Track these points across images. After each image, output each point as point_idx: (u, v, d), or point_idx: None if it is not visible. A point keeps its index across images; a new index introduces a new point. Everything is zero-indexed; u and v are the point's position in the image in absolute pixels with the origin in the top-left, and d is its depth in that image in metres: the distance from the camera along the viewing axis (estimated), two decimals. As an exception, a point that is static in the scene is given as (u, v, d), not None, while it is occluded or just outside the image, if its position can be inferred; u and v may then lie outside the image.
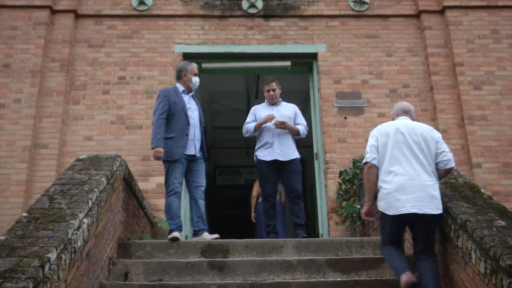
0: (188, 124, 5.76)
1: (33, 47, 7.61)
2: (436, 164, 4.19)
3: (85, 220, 3.81)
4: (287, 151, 6.11)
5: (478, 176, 7.12)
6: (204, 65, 8.00)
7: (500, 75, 7.73)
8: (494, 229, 3.50)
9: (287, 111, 6.32)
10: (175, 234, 5.29)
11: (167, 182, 5.66)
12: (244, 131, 6.42)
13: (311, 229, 9.83)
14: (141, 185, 6.58)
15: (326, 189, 7.30)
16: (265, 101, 6.47)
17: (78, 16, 8.00)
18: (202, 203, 5.76)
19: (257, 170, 6.33)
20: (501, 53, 7.86)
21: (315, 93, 7.98)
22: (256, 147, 6.31)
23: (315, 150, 7.68)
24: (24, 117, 7.24)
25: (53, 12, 7.90)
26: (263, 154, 6.18)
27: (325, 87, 7.81)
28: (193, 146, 5.77)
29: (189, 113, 5.82)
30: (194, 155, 5.77)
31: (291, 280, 4.35)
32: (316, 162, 7.64)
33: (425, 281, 3.80)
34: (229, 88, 10.34)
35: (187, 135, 5.71)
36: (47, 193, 4.14)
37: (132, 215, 5.58)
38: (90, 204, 4.02)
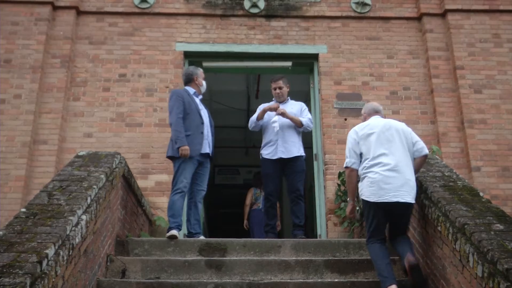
0: (202, 123, 5.92)
1: (34, 43, 7.60)
2: (413, 153, 4.58)
3: (84, 217, 3.80)
4: (290, 148, 6.14)
5: (477, 179, 7.12)
6: (205, 64, 8.00)
7: (501, 79, 7.74)
8: (492, 232, 3.50)
9: (293, 108, 6.39)
10: (174, 232, 5.32)
11: (175, 179, 5.72)
12: (249, 124, 6.47)
13: (309, 230, 9.82)
14: (140, 183, 6.58)
15: (325, 190, 7.30)
16: (273, 99, 6.53)
17: (79, 12, 7.99)
18: (200, 207, 5.91)
19: (261, 168, 6.35)
20: (502, 57, 7.86)
21: (315, 94, 7.98)
22: (262, 145, 6.35)
23: (314, 151, 7.67)
24: (24, 112, 7.23)
25: (55, 8, 7.89)
26: (267, 152, 6.22)
27: (326, 88, 7.81)
28: (207, 145, 5.94)
29: (202, 113, 5.98)
30: (208, 154, 5.95)
31: (289, 280, 4.35)
32: (315, 163, 7.63)
33: (403, 253, 4.24)
34: (230, 87, 10.34)
35: (202, 132, 5.84)
36: (46, 189, 4.13)
37: (130, 213, 5.58)
38: (88, 200, 4.02)
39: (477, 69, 7.77)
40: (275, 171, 6.18)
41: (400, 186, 4.29)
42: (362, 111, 5.08)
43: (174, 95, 6.01)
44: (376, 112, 4.92)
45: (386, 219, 4.43)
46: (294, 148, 6.17)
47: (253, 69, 8.52)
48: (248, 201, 9.10)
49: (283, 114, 6.18)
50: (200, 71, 6.29)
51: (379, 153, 4.47)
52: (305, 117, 6.35)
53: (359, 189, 4.56)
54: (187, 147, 5.67)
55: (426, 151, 4.64)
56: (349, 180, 4.69)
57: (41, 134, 7.24)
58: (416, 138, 4.69)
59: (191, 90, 6.14)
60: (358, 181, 4.63)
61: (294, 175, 6.13)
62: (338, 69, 7.92)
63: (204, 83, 6.26)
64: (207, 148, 5.93)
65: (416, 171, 4.59)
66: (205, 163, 5.99)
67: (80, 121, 7.46)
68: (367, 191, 4.40)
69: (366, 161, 4.50)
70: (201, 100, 6.21)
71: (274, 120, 6.25)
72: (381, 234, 4.43)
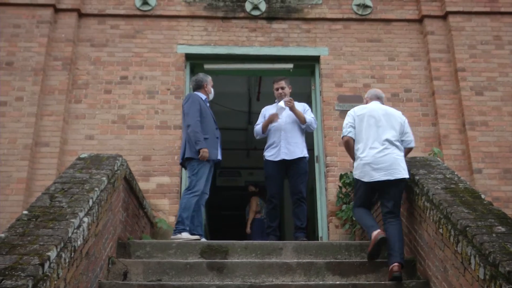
0: (217, 128, 6.06)
1: (36, 46, 7.62)
2: (401, 143, 5.02)
3: (86, 219, 3.81)
4: (293, 149, 6.16)
5: (478, 181, 7.11)
6: (206, 66, 8.01)
7: (502, 81, 7.73)
8: (494, 235, 3.50)
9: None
10: (190, 235, 5.57)
11: (194, 181, 5.79)
12: (254, 133, 6.52)
13: (311, 232, 9.82)
14: (142, 185, 6.59)
15: (326, 192, 7.30)
16: (276, 101, 6.54)
17: (81, 15, 8.01)
18: (203, 210, 5.93)
19: (264, 170, 6.35)
20: (503, 59, 7.86)
21: (316, 96, 7.98)
22: (265, 147, 6.36)
23: (315, 153, 7.67)
24: (26, 115, 7.24)
25: (57, 10, 7.91)
26: (270, 154, 6.24)
27: (327, 90, 7.81)
28: (220, 151, 6.08)
29: (214, 119, 6.11)
30: (220, 160, 6.09)
31: (290, 283, 4.35)
32: (316, 165, 7.63)
33: (392, 241, 4.53)
34: (231, 89, 10.34)
35: (217, 138, 5.97)
36: (47, 192, 4.14)
37: (132, 215, 5.59)
38: (90, 203, 4.03)
39: (478, 71, 7.77)
40: (278, 173, 6.19)
41: (389, 165, 4.75)
42: (365, 95, 5.59)
43: (191, 98, 6.09)
44: (377, 98, 5.37)
45: (374, 195, 5.01)
46: (297, 149, 6.18)
47: (255, 71, 8.53)
48: (254, 207, 9.18)
49: (290, 102, 6.23)
50: (209, 79, 6.41)
51: (372, 135, 4.94)
52: (309, 116, 6.38)
53: (354, 166, 5.08)
54: (207, 150, 5.77)
55: (412, 145, 5.11)
56: (346, 147, 5.23)
57: (42, 136, 7.25)
58: (408, 129, 5.12)
59: (202, 96, 6.24)
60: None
61: (297, 177, 6.14)
62: (339, 71, 7.92)
63: (212, 90, 6.37)
64: (219, 154, 6.06)
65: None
66: (212, 168, 6.07)
67: (81, 123, 7.47)
68: (360, 172, 4.91)
69: (360, 142, 4.99)
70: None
71: (281, 106, 6.25)
72: (368, 206, 5.02)
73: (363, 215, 4.93)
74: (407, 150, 5.11)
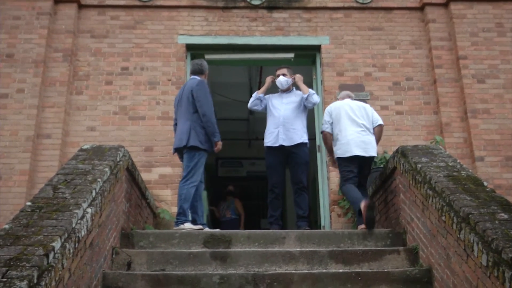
0: (216, 119, 5.97)
1: (36, 37, 7.60)
2: (373, 124, 6.12)
3: (89, 210, 3.82)
4: (291, 135, 6.14)
5: (480, 169, 7.11)
6: (207, 57, 7.98)
7: (504, 69, 7.71)
8: (496, 222, 3.50)
9: (297, 97, 6.40)
10: (193, 225, 5.59)
11: (193, 171, 5.74)
12: (250, 101, 6.53)
13: (313, 221, 9.85)
14: (144, 176, 6.59)
15: (328, 181, 7.31)
16: (278, 90, 6.55)
17: (81, 6, 7.99)
18: (205, 199, 5.90)
19: (265, 160, 6.36)
20: (505, 47, 7.84)
21: (318, 85, 7.97)
22: (264, 135, 6.37)
23: (317, 143, 7.68)
24: (27, 107, 7.24)
25: (56, 2, 7.88)
26: (268, 140, 6.23)
27: (328, 79, 7.80)
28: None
29: None
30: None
31: (293, 271, 4.36)
32: (318, 154, 7.63)
33: (361, 198, 5.57)
34: (232, 79, 10.33)
35: None
36: (50, 183, 4.14)
37: (135, 206, 5.60)
38: (93, 194, 4.03)
39: (480, 58, 7.75)
40: (279, 162, 6.18)
41: (366, 144, 5.89)
42: (338, 97, 6.73)
43: (203, 84, 5.96)
44: (348, 96, 6.46)
45: (356, 169, 5.87)
46: (295, 135, 6.17)
47: (255, 61, 8.52)
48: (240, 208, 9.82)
49: (294, 79, 6.36)
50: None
51: (350, 121, 6.01)
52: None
53: (334, 150, 6.07)
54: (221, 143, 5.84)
55: (381, 122, 6.17)
56: (324, 141, 6.29)
57: (44, 128, 7.26)
58: (375, 114, 6.24)
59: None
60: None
61: (298, 167, 6.14)
62: (340, 60, 7.90)
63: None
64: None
65: (377, 140, 6.12)
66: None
67: (83, 115, 7.47)
68: (341, 151, 5.91)
69: (338, 128, 6.01)
70: None
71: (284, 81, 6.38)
72: (353, 181, 5.81)
73: (349, 190, 5.73)
74: (378, 128, 6.15)
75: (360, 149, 5.83)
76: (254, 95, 6.50)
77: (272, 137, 6.19)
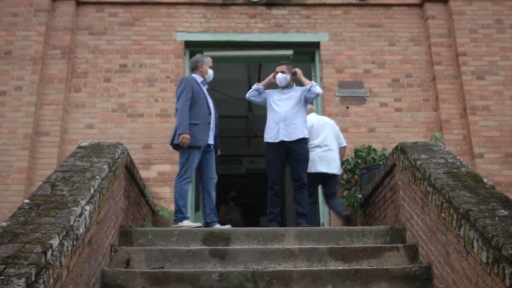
0: (210, 113, 5.95)
1: (34, 34, 7.58)
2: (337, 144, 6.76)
3: (87, 207, 3.80)
4: (292, 131, 6.11)
5: (479, 166, 7.11)
6: (206, 53, 7.92)
7: (503, 65, 7.71)
8: (496, 218, 3.49)
9: (297, 92, 6.36)
10: (191, 223, 5.59)
11: (184, 168, 5.73)
12: (248, 92, 6.47)
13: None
14: (143, 173, 6.59)
15: (328, 178, 7.29)
16: (279, 86, 6.51)
17: (79, 3, 7.96)
18: (214, 195, 5.95)
19: (265, 156, 6.33)
20: (504, 43, 7.83)
21: (317, 82, 7.94)
22: (264, 131, 6.33)
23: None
24: (25, 104, 7.23)
25: (54, -1, 7.87)
26: (269, 136, 6.20)
27: (327, 76, 7.79)
28: (212, 136, 5.98)
29: (210, 104, 6.00)
30: (210, 145, 5.96)
31: (293, 269, 4.35)
32: (317, 151, 7.61)
33: (337, 205, 6.53)
34: (231, 76, 10.31)
35: (209, 123, 5.88)
36: (49, 180, 4.12)
37: (133, 203, 5.58)
38: (92, 191, 4.01)
39: (479, 55, 7.74)
40: (279, 159, 6.15)
41: (329, 163, 6.54)
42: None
43: (184, 81, 5.97)
44: (311, 110, 6.96)
45: (317, 186, 6.74)
46: (296, 131, 6.14)
47: (254, 58, 8.50)
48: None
49: (295, 73, 6.31)
50: (207, 59, 6.23)
51: (317, 140, 6.59)
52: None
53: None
54: (188, 136, 5.64)
55: (345, 143, 6.90)
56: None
57: (42, 125, 7.24)
58: (340, 133, 6.89)
59: (198, 78, 6.10)
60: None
61: (297, 164, 6.12)
62: (339, 57, 7.89)
63: (210, 71, 6.18)
64: (211, 139, 5.97)
65: (340, 158, 6.78)
66: (210, 151, 6.02)
67: (81, 112, 7.46)
68: (309, 167, 6.29)
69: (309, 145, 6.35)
70: (207, 90, 6.18)
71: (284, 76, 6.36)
72: (315, 196, 6.72)
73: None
74: (342, 149, 6.86)
75: (325, 167, 6.52)
76: (254, 86, 6.47)
77: (273, 133, 6.17)
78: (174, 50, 7.83)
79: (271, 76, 6.42)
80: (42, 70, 7.46)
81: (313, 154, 6.45)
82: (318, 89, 6.28)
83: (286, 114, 6.17)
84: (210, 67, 6.22)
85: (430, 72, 7.82)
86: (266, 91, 6.55)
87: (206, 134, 5.87)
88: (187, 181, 5.72)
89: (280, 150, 6.12)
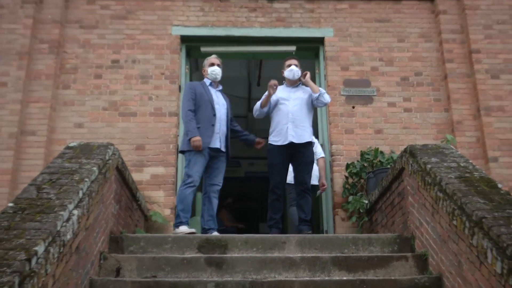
0: (214, 115, 6.07)
1: (20, 27, 7.57)
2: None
3: (75, 212, 3.79)
4: (301, 133, 6.13)
5: (494, 170, 7.09)
6: (203, 49, 7.97)
7: (520, 64, 7.69)
8: (512, 226, 3.48)
9: (305, 93, 6.35)
10: (192, 229, 5.65)
11: (187, 173, 5.90)
12: (253, 111, 6.49)
13: (315, 225, 9.83)
14: (135, 176, 6.58)
15: (332, 182, 7.29)
16: (284, 82, 6.50)
17: (69, -6, 7.96)
18: (215, 202, 6.06)
19: (267, 158, 6.31)
20: (520, 40, 7.82)
21: (321, 80, 7.95)
22: (270, 131, 6.32)
23: (320, 141, 7.65)
24: (10, 102, 7.21)
25: (43, -10, 7.86)
26: (276, 139, 6.19)
27: (332, 74, 7.77)
28: (218, 140, 6.08)
29: (216, 105, 6.14)
30: (218, 149, 6.08)
31: (294, 279, 4.33)
32: (321, 153, 7.61)
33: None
34: (230, 74, 10.24)
35: (213, 125, 6.04)
36: (34, 183, 4.12)
37: (125, 208, 5.57)
38: (80, 194, 4.01)
39: (494, 52, 7.73)
40: (283, 161, 6.15)
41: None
42: None
43: (186, 87, 6.29)
44: None
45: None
46: (305, 133, 6.16)
47: (255, 54, 8.49)
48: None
49: (305, 76, 6.33)
50: (208, 59, 6.45)
51: None
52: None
53: None
54: (198, 138, 5.85)
55: (322, 154, 7.23)
56: None
57: (29, 124, 7.22)
58: (318, 145, 7.18)
59: (207, 81, 6.36)
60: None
61: (302, 166, 6.11)
62: (345, 54, 7.88)
63: (210, 69, 6.34)
64: (217, 142, 6.08)
65: (321, 169, 7.11)
66: (219, 157, 6.15)
67: (70, 111, 7.44)
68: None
69: None
70: (221, 91, 6.42)
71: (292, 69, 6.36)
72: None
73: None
74: (321, 160, 7.16)
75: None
76: (257, 107, 6.43)
77: (281, 134, 6.16)
78: (169, 45, 7.82)
79: (268, 93, 6.35)
80: (29, 65, 7.44)
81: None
82: (327, 98, 6.32)
83: (295, 115, 6.18)
84: (211, 64, 6.38)
85: (442, 70, 7.81)
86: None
87: (209, 136, 5.99)
88: (189, 185, 5.84)
89: (285, 152, 6.12)
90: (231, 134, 6.40)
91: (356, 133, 7.47)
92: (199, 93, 6.13)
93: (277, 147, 6.15)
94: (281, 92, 6.38)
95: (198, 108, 6.07)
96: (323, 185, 7.05)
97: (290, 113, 6.20)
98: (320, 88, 6.37)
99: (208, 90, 6.24)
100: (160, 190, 7.11)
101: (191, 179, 5.85)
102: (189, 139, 5.89)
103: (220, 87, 6.45)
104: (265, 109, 6.38)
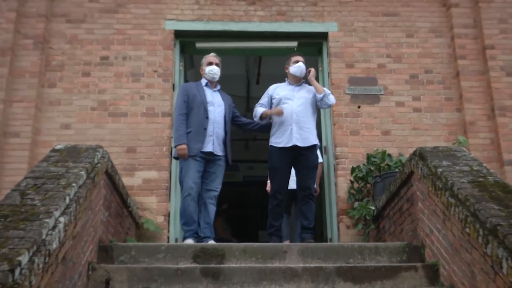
0: (207, 117, 6.12)
1: (3, 21, 7.57)
2: None
3: (62, 219, 3.79)
4: (306, 135, 6.14)
5: (509, 174, 7.10)
6: (199, 45, 7.98)
7: (537, 60, 7.71)
8: (528, 235, 3.48)
9: (309, 93, 6.35)
10: (192, 242, 5.65)
11: (181, 182, 6.05)
12: (253, 114, 6.51)
13: (318, 233, 9.83)
14: (126, 180, 6.57)
15: (336, 187, 7.29)
16: (286, 80, 6.50)
17: (55, -14, 7.96)
18: (212, 208, 6.10)
19: (268, 160, 6.31)
20: (538, 35, 7.83)
21: (324, 78, 7.95)
22: (272, 132, 6.31)
23: (323, 144, 7.66)
24: (-8, 101, 7.21)
25: (27, -19, 7.86)
26: (279, 141, 6.18)
27: (336, 72, 7.78)
28: (211, 143, 6.12)
29: (210, 107, 6.20)
30: (212, 153, 6.11)
31: (296, 290, 4.34)
32: (324, 156, 7.62)
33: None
34: (227, 71, 10.24)
35: (205, 129, 6.09)
36: (18, 188, 4.12)
37: (115, 215, 5.58)
38: (67, 200, 4.01)
39: (509, 48, 7.75)
40: (286, 164, 6.15)
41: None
42: None
43: (179, 89, 6.42)
44: None
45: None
46: (310, 135, 6.17)
47: (253, 50, 8.50)
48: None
49: (308, 73, 6.34)
50: (205, 58, 6.53)
51: None
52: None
53: None
54: (183, 146, 5.96)
55: (320, 159, 7.28)
56: None
57: (12, 125, 7.22)
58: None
59: (203, 81, 6.44)
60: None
61: (306, 171, 6.11)
62: (350, 50, 7.89)
63: (207, 68, 6.42)
64: (209, 146, 6.12)
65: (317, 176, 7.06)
66: (215, 161, 6.19)
67: (56, 111, 7.44)
68: None
69: None
70: (225, 93, 6.53)
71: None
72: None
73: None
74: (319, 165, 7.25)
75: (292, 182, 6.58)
76: (257, 113, 6.41)
77: (285, 136, 6.16)
78: (162, 41, 7.83)
79: (275, 113, 6.34)
80: (12, 62, 7.44)
81: None
82: (331, 100, 6.35)
83: (299, 116, 6.18)
84: (209, 63, 6.45)
85: (453, 68, 7.83)
86: (270, 87, 6.55)
87: (200, 141, 6.05)
88: (186, 195, 5.95)
89: (289, 155, 6.12)
90: (245, 127, 6.59)
91: (362, 134, 7.48)
92: (192, 95, 6.20)
93: (279, 149, 6.15)
94: (284, 91, 6.38)
95: (191, 111, 6.15)
96: (316, 191, 7.08)
97: (294, 114, 6.19)
98: (324, 89, 6.37)
99: (203, 91, 6.30)
100: (153, 195, 7.11)
101: (185, 189, 5.96)
102: (175, 146, 6.02)
103: (218, 87, 6.49)
104: (265, 121, 6.42)
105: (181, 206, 6.02)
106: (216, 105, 6.28)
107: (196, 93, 6.24)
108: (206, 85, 6.38)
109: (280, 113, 6.20)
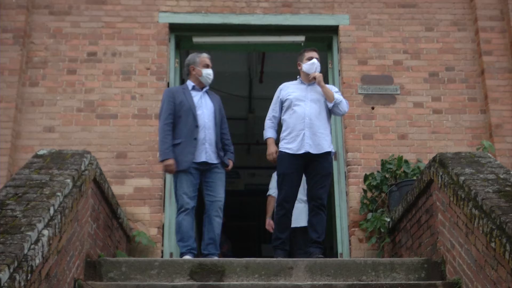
0: (197, 126, 6.08)
1: (-20, 14, 7.61)
2: None
3: (45, 232, 3.81)
4: (319, 141, 6.13)
5: (539, 183, 7.10)
6: (196, 40, 8.00)
7: None
8: (560, 250, 3.49)
9: (323, 97, 6.33)
10: (191, 259, 5.56)
11: (176, 197, 6.08)
12: (265, 125, 6.60)
13: (328, 247, 9.84)
14: (116, 189, 6.58)
15: (348, 197, 7.30)
16: (298, 77, 6.49)
17: (37, -25, 8.00)
18: (218, 221, 6.12)
19: (277, 166, 6.32)
20: None
21: (334, 76, 7.97)
22: (281, 136, 6.31)
23: (334, 149, 7.66)
24: (-32, 101, 7.25)
25: (6, -30, 7.90)
26: (290, 146, 6.17)
27: (348, 69, 7.80)
28: (204, 152, 6.10)
29: (199, 112, 6.16)
30: (206, 162, 6.10)
31: (303, 311, 4.36)
32: (335, 163, 7.61)
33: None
34: (227, 69, 10.33)
35: (195, 139, 6.05)
36: (-3, 198, 4.14)
37: (103, 227, 5.60)
38: (51, 211, 4.02)
39: (539, 43, 7.75)
40: (297, 171, 6.15)
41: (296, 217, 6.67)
42: None
43: (164, 95, 6.31)
44: None
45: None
46: (324, 142, 6.15)
47: (256, 45, 8.51)
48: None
49: (315, 78, 6.29)
50: (200, 58, 6.37)
51: None
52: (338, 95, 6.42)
53: None
54: (170, 162, 5.95)
55: None
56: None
57: (-10, 128, 7.24)
58: None
59: (190, 84, 6.34)
60: None
61: (317, 179, 6.10)
62: (363, 45, 7.91)
63: (205, 71, 6.31)
64: (203, 155, 6.09)
65: None
66: (212, 169, 6.18)
67: (38, 112, 7.46)
68: None
69: None
70: (213, 93, 6.46)
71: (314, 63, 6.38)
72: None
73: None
74: None
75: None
76: (267, 133, 6.51)
77: (296, 141, 6.14)
78: (156, 35, 7.85)
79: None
80: (-10, 58, 7.48)
81: None
82: (344, 107, 6.35)
83: (313, 120, 6.16)
84: (206, 66, 6.35)
85: (478, 65, 7.83)
86: (280, 87, 6.53)
87: (191, 153, 6.02)
88: (180, 211, 5.98)
89: (300, 162, 6.12)
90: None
91: (376, 138, 7.49)
92: (179, 102, 6.13)
93: (290, 155, 6.15)
94: (296, 91, 6.35)
95: (179, 119, 6.10)
96: None
97: (307, 117, 6.17)
98: (336, 95, 6.31)
99: (190, 95, 6.21)
100: (145, 205, 7.12)
101: (180, 204, 6.00)
102: (160, 161, 6.06)
103: (206, 87, 6.40)
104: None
105: (176, 222, 6.03)
106: (204, 107, 6.22)
107: (184, 99, 6.16)
108: (194, 88, 6.31)
109: (273, 162, 6.38)
